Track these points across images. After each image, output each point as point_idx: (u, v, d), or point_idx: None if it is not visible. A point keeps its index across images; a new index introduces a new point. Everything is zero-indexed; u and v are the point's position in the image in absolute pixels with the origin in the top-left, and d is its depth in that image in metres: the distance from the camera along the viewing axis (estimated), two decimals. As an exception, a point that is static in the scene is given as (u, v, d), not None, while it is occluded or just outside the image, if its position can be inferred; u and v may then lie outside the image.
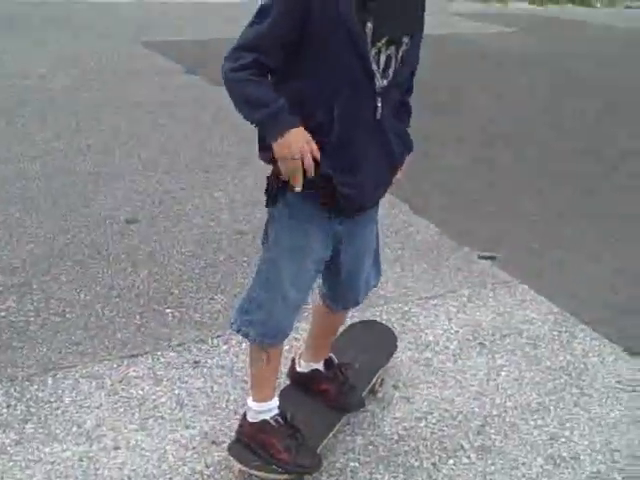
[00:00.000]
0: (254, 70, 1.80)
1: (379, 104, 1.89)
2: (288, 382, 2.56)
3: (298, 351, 2.57)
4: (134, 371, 2.69)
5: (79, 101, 5.94)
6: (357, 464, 2.31)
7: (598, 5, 13.88)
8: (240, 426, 2.25)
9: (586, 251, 3.91)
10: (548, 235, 4.07)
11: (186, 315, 3.07)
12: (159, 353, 2.80)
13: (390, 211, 4.09)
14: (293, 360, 2.55)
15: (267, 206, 2.02)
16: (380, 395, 2.63)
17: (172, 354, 2.81)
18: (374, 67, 1.85)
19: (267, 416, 2.20)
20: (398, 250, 3.72)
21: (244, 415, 2.26)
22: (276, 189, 1.95)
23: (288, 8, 1.78)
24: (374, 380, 2.59)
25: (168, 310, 3.10)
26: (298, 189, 1.85)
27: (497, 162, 5.07)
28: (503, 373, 2.82)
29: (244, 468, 2.18)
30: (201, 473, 2.25)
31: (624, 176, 5.01)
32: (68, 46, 7.89)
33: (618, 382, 2.81)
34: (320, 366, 2.47)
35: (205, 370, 2.73)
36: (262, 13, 1.81)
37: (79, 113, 5.62)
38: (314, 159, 1.82)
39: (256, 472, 2.18)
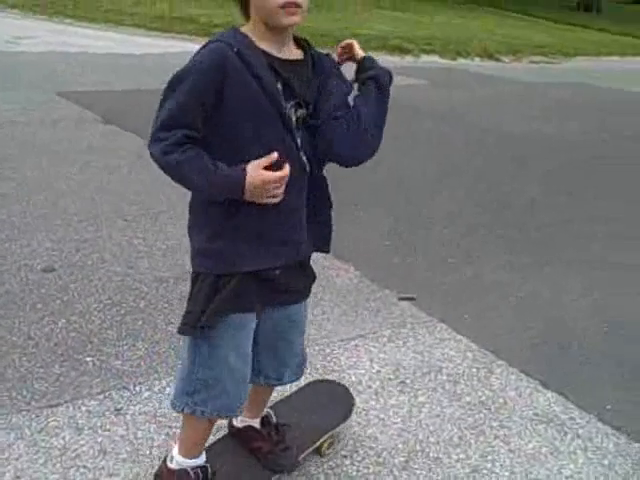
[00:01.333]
0: (183, 147, 1.83)
1: (304, 158, 1.98)
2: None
3: None
4: (54, 421, 2.63)
5: (-9, 151, 5.82)
6: (284, 504, 2.31)
7: (506, 60, 14.49)
8: (158, 469, 2.24)
9: (500, 290, 4.04)
10: (465, 276, 4.19)
11: (107, 363, 3.02)
12: (80, 402, 2.75)
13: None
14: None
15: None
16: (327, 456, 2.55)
17: (93, 402, 2.75)
18: (292, 125, 1.93)
19: (189, 466, 2.18)
20: (319, 293, 3.77)
21: (165, 459, 2.23)
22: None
23: (201, 80, 1.83)
24: (320, 441, 2.51)
25: (88, 358, 3.04)
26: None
27: (411, 207, 5.20)
28: (425, 410, 2.88)
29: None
30: (126, 521, 2.21)
31: (533, 223, 5.21)
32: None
33: (535, 414, 2.90)
34: (255, 423, 2.43)
35: (127, 417, 2.69)
36: (173, 86, 1.86)
37: (-9, 163, 5.51)
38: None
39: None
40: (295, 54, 1.99)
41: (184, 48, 11.47)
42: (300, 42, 2.02)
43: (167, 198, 4.85)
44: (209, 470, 2.21)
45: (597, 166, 6.87)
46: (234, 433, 2.47)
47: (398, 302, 3.78)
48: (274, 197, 1.89)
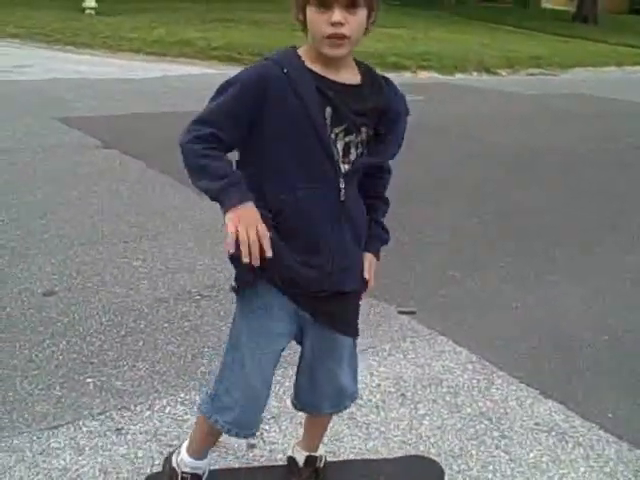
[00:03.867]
0: (210, 144, 1.84)
1: (342, 186, 1.94)
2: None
3: None
4: (55, 442, 2.64)
5: (-8, 178, 5.86)
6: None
7: (503, 74, 14.54)
8: (168, 454, 2.41)
9: (500, 301, 4.05)
10: (464, 288, 4.20)
11: (107, 383, 3.03)
12: (80, 422, 2.76)
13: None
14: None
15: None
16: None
17: (94, 423, 2.76)
18: (334, 151, 1.91)
19: (187, 469, 2.28)
20: (319, 309, 3.78)
21: (170, 454, 2.38)
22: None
23: (243, 90, 1.86)
24: None
25: (89, 380, 3.05)
26: (245, 260, 1.83)
27: (410, 220, 5.22)
28: (425, 422, 2.88)
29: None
30: (127, 540, 2.22)
31: (532, 234, 5.21)
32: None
33: (536, 424, 2.90)
34: (300, 455, 2.42)
35: (129, 437, 2.69)
36: (221, 90, 1.90)
37: (-8, 190, 5.55)
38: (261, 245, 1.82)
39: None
40: (352, 78, 1.95)
41: (183, 71, 11.58)
42: (361, 67, 1.99)
43: (166, 219, 4.88)
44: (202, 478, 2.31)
45: (599, 175, 6.89)
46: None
47: (398, 316, 3.79)
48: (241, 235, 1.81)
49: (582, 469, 2.64)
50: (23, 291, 3.81)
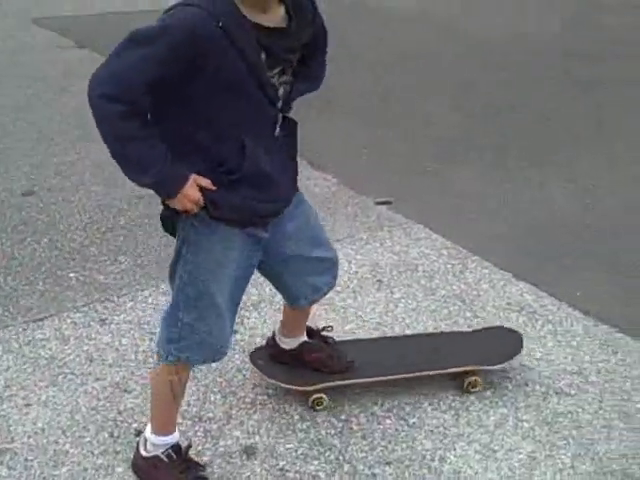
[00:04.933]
0: (131, 121, 1.70)
1: (277, 123, 1.90)
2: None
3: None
4: (41, 333, 2.72)
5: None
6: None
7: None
8: (134, 458, 2.15)
9: (479, 193, 4.07)
10: (443, 180, 4.21)
11: (90, 278, 3.10)
12: (65, 314, 2.84)
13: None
14: (273, 339, 2.47)
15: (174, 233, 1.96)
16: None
17: (78, 315, 2.84)
18: (273, 94, 1.83)
19: (160, 451, 2.07)
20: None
21: (137, 446, 2.14)
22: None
23: (170, 52, 1.67)
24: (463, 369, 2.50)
25: (72, 274, 3.12)
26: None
27: (390, 119, 5.20)
28: (401, 305, 2.97)
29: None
30: (114, 420, 2.33)
31: (515, 127, 5.19)
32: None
33: (508, 304, 3.00)
34: (304, 337, 2.43)
35: (112, 327, 2.78)
36: (139, 42, 1.70)
37: (-34, 92, 5.48)
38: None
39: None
40: (279, 17, 1.81)
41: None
42: None
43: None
44: (182, 447, 2.12)
45: (577, 67, 6.82)
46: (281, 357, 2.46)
47: (375, 207, 3.84)
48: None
49: (550, 344, 2.75)
50: (2, 191, 3.84)
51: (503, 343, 2.65)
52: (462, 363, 2.50)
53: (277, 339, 2.44)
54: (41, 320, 2.79)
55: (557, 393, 2.50)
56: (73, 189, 3.91)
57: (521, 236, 3.57)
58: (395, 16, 7.75)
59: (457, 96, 5.67)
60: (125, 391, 2.44)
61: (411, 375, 2.46)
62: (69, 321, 2.79)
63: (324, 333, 2.50)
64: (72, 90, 5.46)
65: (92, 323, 2.79)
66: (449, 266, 3.27)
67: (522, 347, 2.59)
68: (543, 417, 2.39)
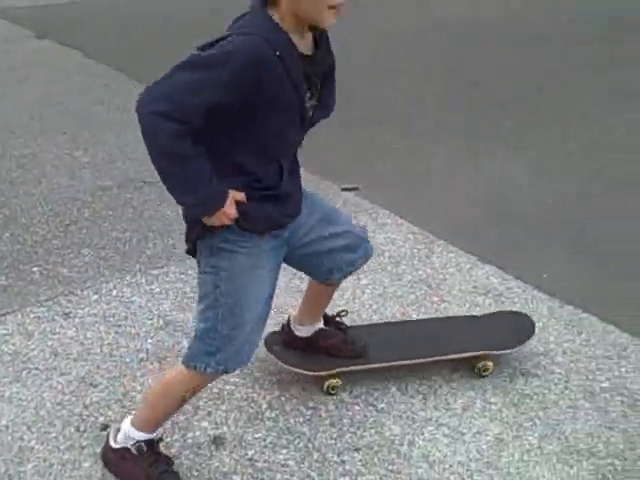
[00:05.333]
0: (184, 140, 1.72)
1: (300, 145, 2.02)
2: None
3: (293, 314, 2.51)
4: (4, 329, 2.69)
5: None
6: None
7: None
8: (103, 449, 2.12)
9: (443, 175, 4.09)
10: (409, 163, 4.22)
11: (54, 271, 3.06)
12: (28, 309, 2.80)
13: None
14: (288, 325, 2.49)
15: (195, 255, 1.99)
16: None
17: (42, 309, 2.80)
18: (307, 118, 1.92)
19: (130, 443, 2.04)
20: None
21: (107, 437, 2.10)
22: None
23: (232, 78, 1.71)
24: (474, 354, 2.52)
25: (35, 268, 3.08)
26: None
27: (355, 98, 5.18)
28: (368, 290, 2.97)
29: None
30: (80, 414, 2.30)
31: (476, 100, 5.20)
32: None
33: (474, 287, 3.02)
34: (320, 324, 2.47)
35: (77, 320, 2.75)
36: (200, 65, 1.73)
37: None
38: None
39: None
40: (309, 43, 1.88)
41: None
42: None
43: (106, 109, 4.80)
44: (154, 442, 2.07)
45: (541, 46, 6.85)
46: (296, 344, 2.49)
47: (342, 192, 3.83)
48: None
49: (516, 326, 2.77)
50: (-39, 187, 3.77)
51: (515, 328, 2.66)
52: (475, 348, 2.52)
53: (292, 326, 2.47)
54: (3, 315, 2.75)
55: (523, 374, 2.52)
56: (35, 182, 3.85)
57: (487, 220, 3.58)
58: None
59: (419, 73, 5.66)
60: (91, 385, 2.41)
61: (424, 360, 2.48)
62: (32, 316, 2.76)
63: (338, 319, 2.53)
64: (32, 81, 5.39)
65: (56, 317, 2.75)
66: (415, 251, 3.28)
67: (534, 331, 2.61)
68: (510, 399, 2.41)
